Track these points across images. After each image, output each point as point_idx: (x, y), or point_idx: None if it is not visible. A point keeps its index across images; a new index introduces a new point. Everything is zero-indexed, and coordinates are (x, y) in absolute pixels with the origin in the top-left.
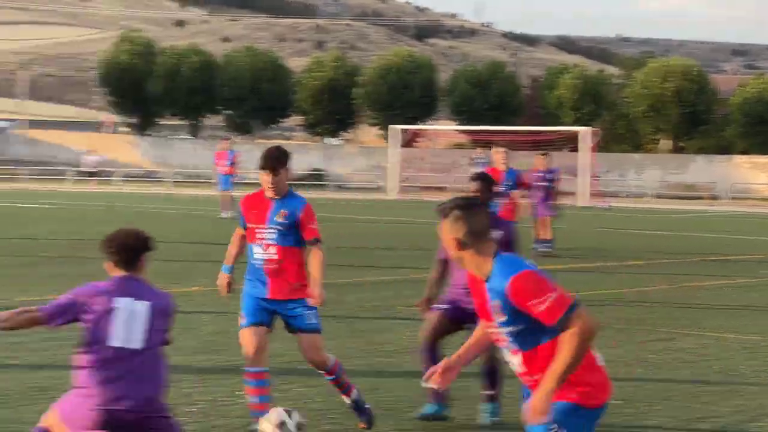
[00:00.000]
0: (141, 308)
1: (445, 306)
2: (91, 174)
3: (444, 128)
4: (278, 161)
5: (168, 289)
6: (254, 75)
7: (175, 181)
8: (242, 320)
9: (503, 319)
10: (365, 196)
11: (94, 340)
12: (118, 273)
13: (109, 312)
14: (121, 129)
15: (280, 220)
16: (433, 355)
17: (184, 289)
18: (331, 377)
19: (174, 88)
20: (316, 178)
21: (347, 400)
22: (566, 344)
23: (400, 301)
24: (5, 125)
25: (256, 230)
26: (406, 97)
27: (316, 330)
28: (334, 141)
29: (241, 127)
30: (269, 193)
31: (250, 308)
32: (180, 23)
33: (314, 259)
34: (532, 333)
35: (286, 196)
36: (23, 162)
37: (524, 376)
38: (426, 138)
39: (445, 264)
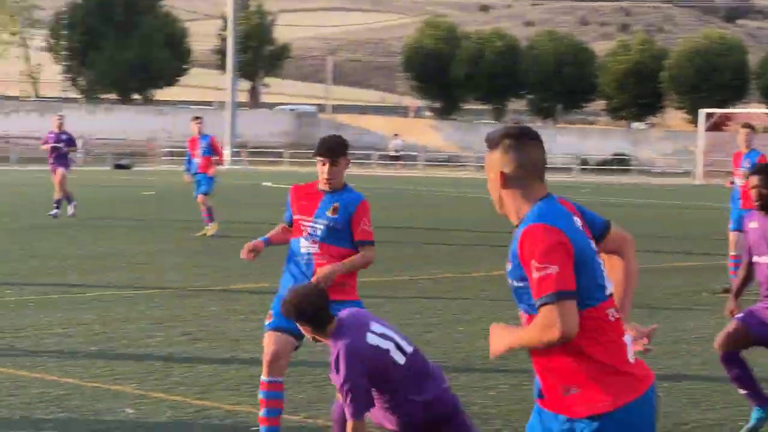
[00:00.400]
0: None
1: (749, 320)
2: (395, 158)
3: (753, 111)
4: (338, 150)
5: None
6: (557, 59)
7: (478, 166)
8: (267, 319)
9: (509, 267)
10: (671, 180)
11: (389, 382)
12: (329, 331)
13: (385, 357)
14: (424, 113)
15: (331, 215)
16: (733, 365)
17: (487, 273)
18: None
19: (477, 73)
20: (620, 162)
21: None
22: (531, 330)
23: (705, 287)
24: (313, 110)
25: (302, 222)
26: (714, 80)
27: None
28: (639, 125)
29: (544, 111)
30: (324, 185)
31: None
32: (484, 8)
33: (358, 256)
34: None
35: (340, 190)
36: None
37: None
38: (736, 122)
39: (750, 267)
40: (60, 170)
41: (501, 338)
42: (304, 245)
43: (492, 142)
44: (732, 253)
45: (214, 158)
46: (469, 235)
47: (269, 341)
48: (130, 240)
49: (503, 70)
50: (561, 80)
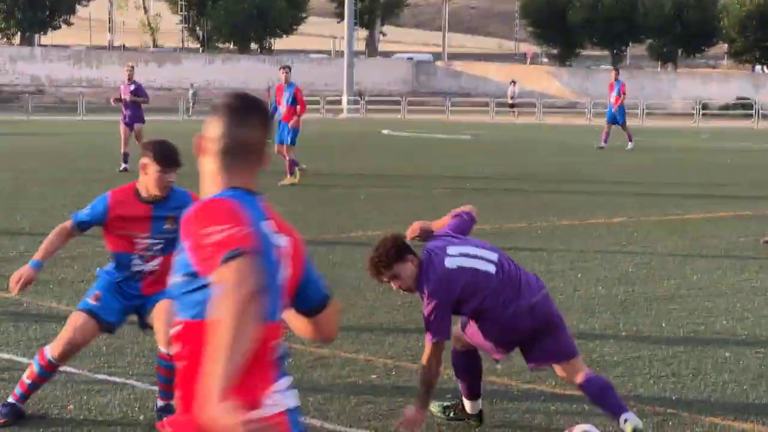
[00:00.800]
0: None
1: None
2: (512, 105)
3: None
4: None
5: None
6: (678, 2)
7: (595, 112)
8: (91, 300)
9: (175, 268)
10: None
11: (485, 293)
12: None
13: (471, 274)
14: (541, 60)
15: (170, 227)
16: None
17: (606, 221)
18: (171, 364)
19: (595, 18)
20: (742, 107)
21: (161, 403)
22: (219, 317)
23: None
24: (429, 58)
25: (135, 239)
26: None
27: None
28: (763, 69)
29: (663, 56)
30: (161, 192)
31: (108, 299)
32: None
33: None
34: (197, 291)
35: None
36: (448, 93)
37: (176, 360)
38: None
39: None
40: (137, 126)
41: (210, 407)
42: (137, 262)
43: (213, 107)
44: None
45: (297, 108)
46: (587, 184)
47: (77, 326)
48: None
49: (621, 14)
50: (682, 24)
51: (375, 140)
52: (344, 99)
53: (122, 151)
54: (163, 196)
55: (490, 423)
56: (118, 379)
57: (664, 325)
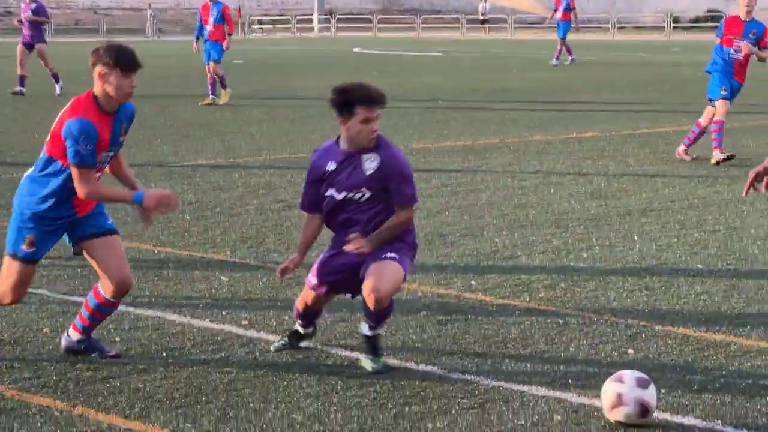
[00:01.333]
0: None
1: None
2: (483, 21)
3: None
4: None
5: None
6: None
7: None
8: (25, 247)
9: None
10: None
11: None
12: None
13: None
14: None
15: (123, 138)
16: None
17: (577, 136)
18: (110, 308)
19: None
20: (712, 19)
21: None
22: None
23: None
24: None
25: (98, 158)
26: None
27: (117, 232)
28: None
29: None
30: (122, 100)
31: (43, 242)
32: None
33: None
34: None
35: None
36: (418, 11)
37: None
38: None
39: None
40: (38, 46)
41: None
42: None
43: None
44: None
45: (225, 27)
46: (558, 100)
47: (27, 275)
48: (222, 110)
49: None
50: None
51: (347, 58)
52: (315, 18)
53: (19, 73)
54: (124, 103)
55: (464, 339)
56: None
57: (636, 238)
